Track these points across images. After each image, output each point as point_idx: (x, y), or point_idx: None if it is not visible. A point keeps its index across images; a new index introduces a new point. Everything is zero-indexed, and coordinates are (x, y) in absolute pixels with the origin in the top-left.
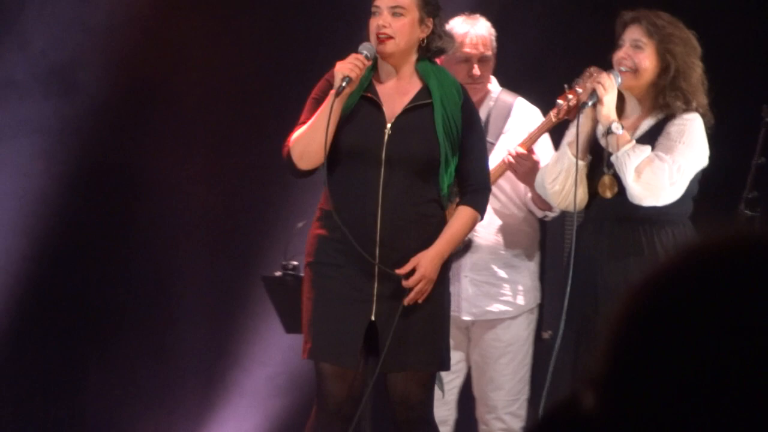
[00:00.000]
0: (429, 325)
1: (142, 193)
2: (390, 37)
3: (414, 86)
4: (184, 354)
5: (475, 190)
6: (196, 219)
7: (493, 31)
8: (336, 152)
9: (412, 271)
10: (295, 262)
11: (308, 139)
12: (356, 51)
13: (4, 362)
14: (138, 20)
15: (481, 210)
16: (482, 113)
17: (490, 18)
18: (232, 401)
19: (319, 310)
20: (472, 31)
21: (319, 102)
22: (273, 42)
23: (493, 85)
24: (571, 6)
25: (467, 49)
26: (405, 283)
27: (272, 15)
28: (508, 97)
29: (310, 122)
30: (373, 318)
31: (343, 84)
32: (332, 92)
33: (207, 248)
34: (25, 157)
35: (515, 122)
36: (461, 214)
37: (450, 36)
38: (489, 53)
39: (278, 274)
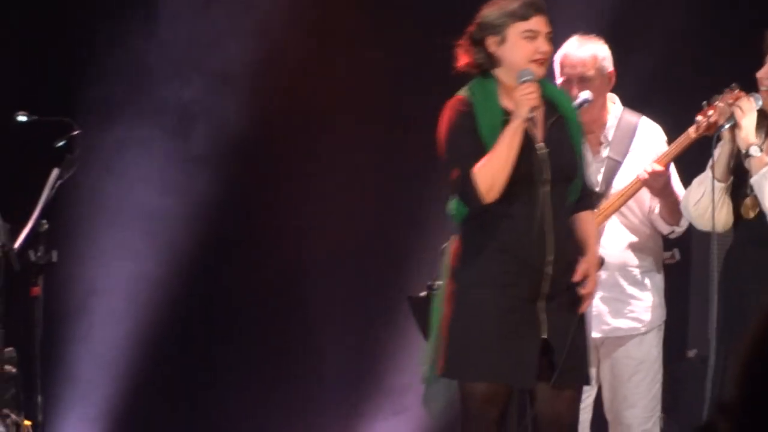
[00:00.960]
0: (583, 340)
1: (289, 213)
2: (546, 61)
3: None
4: (330, 371)
5: (588, 194)
6: (342, 240)
7: (601, 51)
8: None
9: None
10: (441, 282)
11: (497, 171)
12: (521, 81)
13: (152, 369)
14: (292, 50)
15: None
16: (605, 132)
17: (613, 37)
18: (377, 421)
19: (485, 330)
20: (571, 52)
21: (469, 134)
22: (428, 71)
23: (615, 104)
24: (694, 22)
25: (566, 70)
26: (582, 291)
27: (433, 43)
28: (631, 116)
29: (496, 155)
30: (545, 335)
31: (531, 115)
32: (516, 124)
33: (353, 269)
34: (176, 173)
35: (641, 141)
36: (589, 218)
37: None
38: (590, 73)
39: (424, 294)
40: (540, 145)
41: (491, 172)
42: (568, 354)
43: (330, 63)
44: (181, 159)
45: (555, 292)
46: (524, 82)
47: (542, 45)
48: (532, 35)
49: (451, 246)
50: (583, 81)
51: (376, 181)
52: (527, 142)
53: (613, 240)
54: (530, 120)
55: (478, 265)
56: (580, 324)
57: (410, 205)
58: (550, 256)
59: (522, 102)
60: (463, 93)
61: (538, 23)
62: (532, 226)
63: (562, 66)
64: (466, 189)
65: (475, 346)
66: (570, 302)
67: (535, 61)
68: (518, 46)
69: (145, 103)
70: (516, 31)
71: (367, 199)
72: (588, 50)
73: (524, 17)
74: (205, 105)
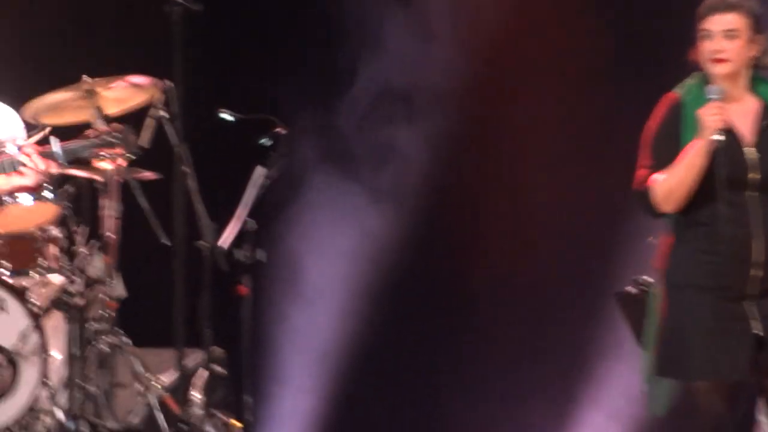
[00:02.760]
0: None
1: (495, 210)
2: (725, 60)
3: (753, 105)
4: (540, 364)
5: None
6: (547, 236)
7: None
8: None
9: None
10: (647, 278)
11: (674, 188)
12: (708, 98)
13: (362, 369)
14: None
15: None
16: None
17: None
18: (587, 415)
19: (698, 330)
20: None
21: (669, 140)
22: (615, 66)
23: None
24: None
25: None
26: None
27: (618, 39)
28: None
29: (675, 173)
30: (757, 332)
31: (719, 137)
32: (700, 145)
33: (559, 264)
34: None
35: None
36: None
37: None
38: None
39: (631, 289)
40: (750, 149)
41: (667, 187)
42: None
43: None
44: (393, 149)
45: (764, 292)
46: (711, 100)
47: (715, 44)
48: (706, 34)
49: (659, 244)
50: None
51: (579, 173)
52: (735, 144)
53: None
54: (734, 120)
55: (687, 266)
56: None
57: (613, 198)
58: (759, 257)
59: (706, 123)
60: (677, 91)
61: (714, 22)
62: (740, 228)
63: None
64: (643, 196)
65: (690, 344)
66: None
67: (712, 60)
68: (700, 47)
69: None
70: (700, 31)
71: (569, 193)
72: None
73: (704, 16)
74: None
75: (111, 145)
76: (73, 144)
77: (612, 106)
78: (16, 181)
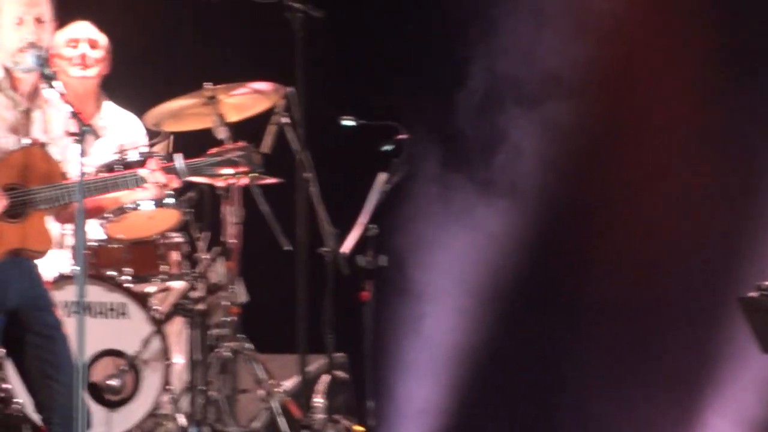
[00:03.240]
0: None
1: (616, 209)
2: None
3: None
4: (664, 367)
5: None
6: (671, 240)
7: None
8: None
9: None
10: None
11: None
12: None
13: (487, 377)
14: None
15: None
16: None
17: None
18: (712, 420)
19: None
20: None
21: None
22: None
23: None
24: None
25: None
26: None
27: (749, 26)
28: None
29: None
30: None
31: None
32: None
33: (683, 267)
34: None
35: None
36: None
37: None
38: None
39: (754, 294)
40: None
41: None
42: None
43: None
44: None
45: None
46: None
47: None
48: None
49: None
50: None
51: (703, 172)
52: None
53: None
54: None
55: None
56: None
57: (737, 201)
58: None
59: None
60: None
61: None
62: None
63: None
64: None
65: None
66: None
67: None
68: None
69: None
70: None
71: (693, 192)
72: None
73: None
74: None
75: (234, 164)
76: (197, 161)
77: (741, 101)
78: (139, 195)
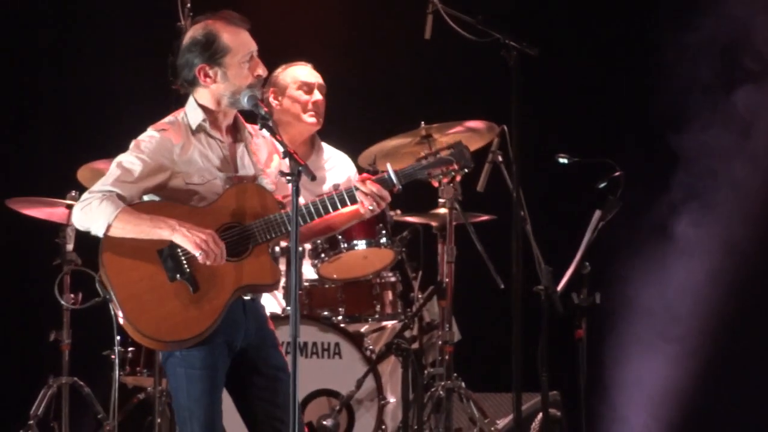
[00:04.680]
0: None
1: None
2: None
3: None
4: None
5: None
6: None
7: None
8: None
9: None
10: None
11: None
12: None
13: (705, 416)
14: None
15: None
16: None
17: None
18: None
19: None
20: None
21: None
22: None
23: None
24: None
25: None
26: None
27: None
28: None
29: None
30: None
31: None
32: None
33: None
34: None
35: None
36: None
37: None
38: None
39: None
40: None
41: None
42: None
43: None
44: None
45: None
46: None
47: None
48: None
49: None
50: None
51: None
52: None
53: None
54: None
55: None
56: None
57: None
58: None
59: None
60: None
61: None
62: None
63: None
64: None
65: None
66: None
67: None
68: None
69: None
70: None
71: None
72: None
73: None
74: None
75: (446, 163)
76: (408, 167)
77: None
78: (361, 213)
